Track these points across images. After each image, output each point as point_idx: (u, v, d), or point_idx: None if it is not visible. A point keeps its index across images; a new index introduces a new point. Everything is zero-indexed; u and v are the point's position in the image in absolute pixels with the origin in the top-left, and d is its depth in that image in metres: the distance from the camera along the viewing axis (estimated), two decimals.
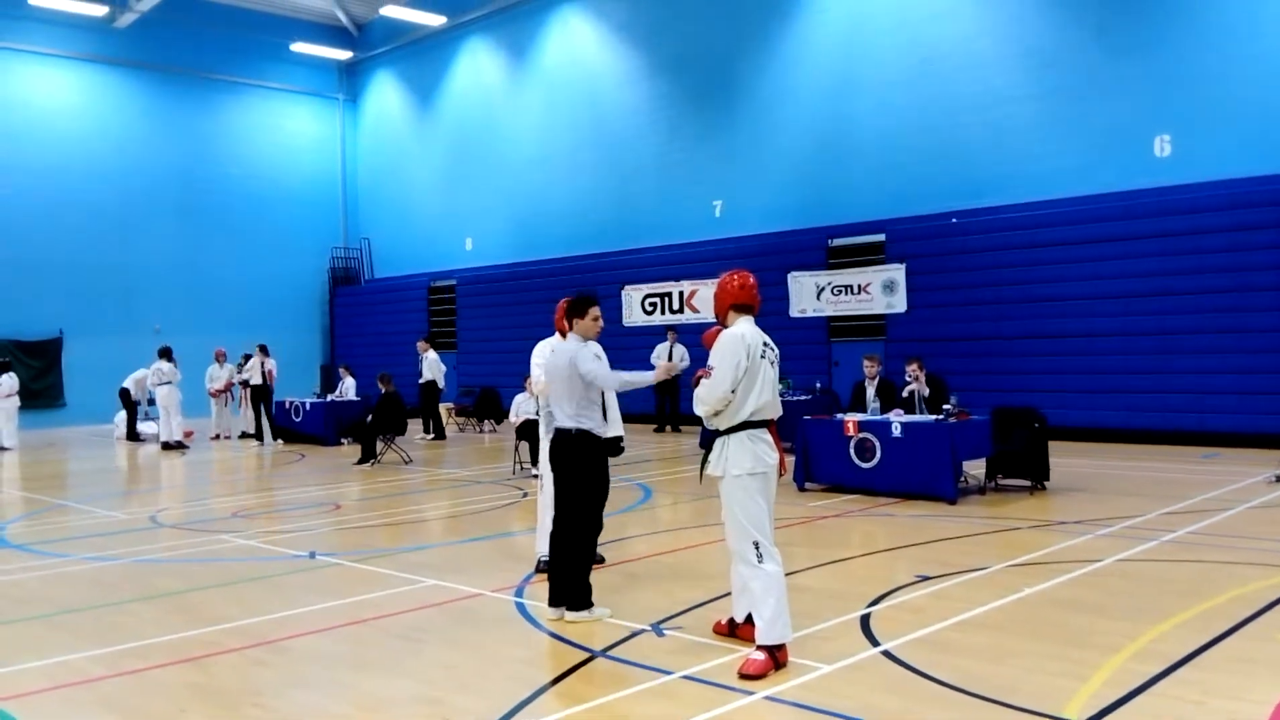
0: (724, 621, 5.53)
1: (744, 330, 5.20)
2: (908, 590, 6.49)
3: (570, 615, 5.94)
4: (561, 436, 6.10)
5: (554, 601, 6.01)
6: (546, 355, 6.74)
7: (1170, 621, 5.59)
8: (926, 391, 10.88)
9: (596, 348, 6.29)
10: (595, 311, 6.22)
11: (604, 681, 4.91)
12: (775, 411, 5.25)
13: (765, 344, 5.23)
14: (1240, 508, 9.30)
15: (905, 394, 11.06)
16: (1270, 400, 13.89)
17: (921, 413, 10.74)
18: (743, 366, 5.07)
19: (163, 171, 27.06)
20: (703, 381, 5.16)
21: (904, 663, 5.00)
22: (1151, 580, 6.63)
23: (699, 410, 5.23)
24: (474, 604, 6.49)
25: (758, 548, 5.05)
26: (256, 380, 19.04)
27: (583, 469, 6.06)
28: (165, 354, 19.04)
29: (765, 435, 5.17)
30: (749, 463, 5.09)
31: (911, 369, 11.09)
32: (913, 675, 4.83)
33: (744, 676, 4.80)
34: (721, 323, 5.41)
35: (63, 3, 23.59)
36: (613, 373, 6.12)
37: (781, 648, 4.97)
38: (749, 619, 5.21)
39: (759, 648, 4.94)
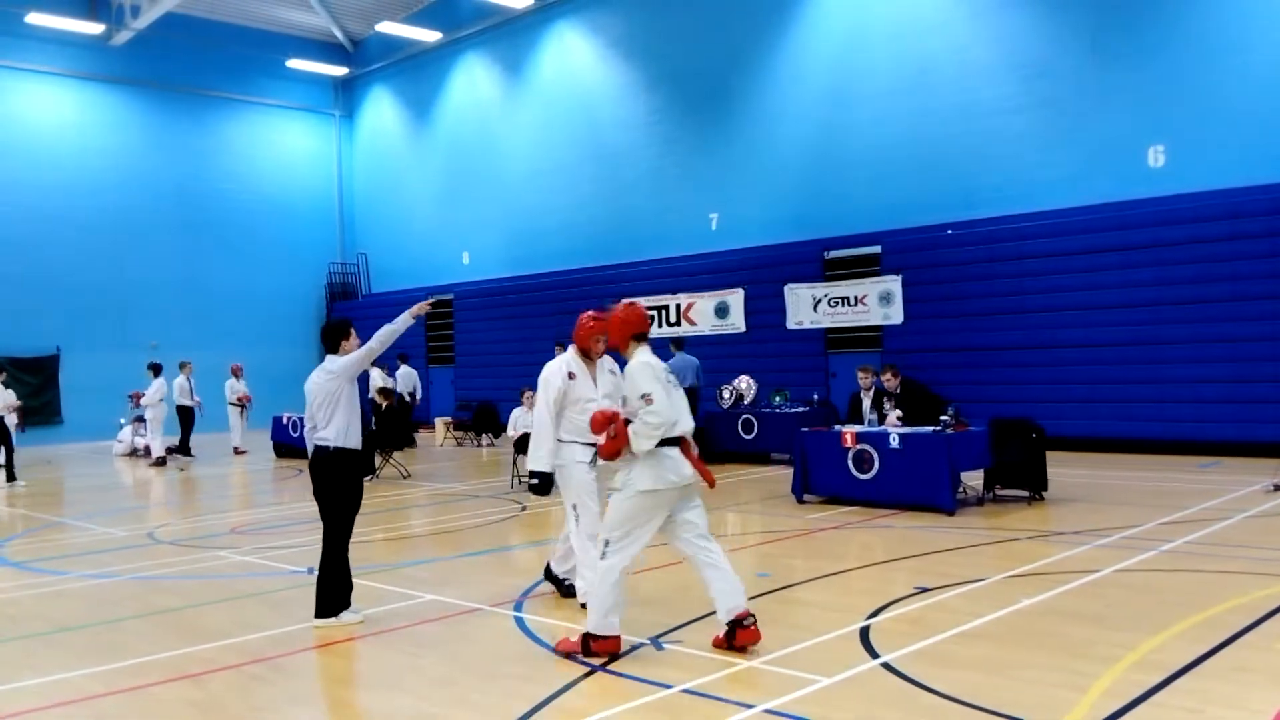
0: (723, 635, 5.54)
1: (648, 359, 5.51)
2: (907, 602, 6.49)
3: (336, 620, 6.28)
4: (349, 455, 6.31)
5: (337, 611, 6.32)
6: (561, 377, 6.34)
7: (1169, 631, 5.59)
8: (897, 391, 10.96)
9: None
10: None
11: (603, 695, 4.91)
12: (686, 428, 5.50)
13: (664, 368, 5.59)
14: (1238, 517, 9.31)
15: (869, 399, 11.14)
16: (1267, 409, 13.90)
17: (886, 411, 10.89)
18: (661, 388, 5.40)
19: (159, 188, 27.10)
20: (641, 414, 5.29)
21: (903, 675, 5.00)
22: (1150, 590, 6.63)
23: (646, 445, 5.30)
24: (473, 618, 6.48)
25: (607, 546, 5.37)
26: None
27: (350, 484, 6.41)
28: (161, 369, 19.07)
29: (673, 453, 5.41)
30: (649, 481, 5.33)
31: (885, 377, 11.19)
32: (912, 687, 4.83)
33: (557, 651, 5.47)
34: (621, 353, 5.71)
35: (59, 21, 23.69)
36: (365, 344, 6.33)
37: (601, 639, 5.31)
38: (738, 623, 5.38)
39: (584, 634, 5.38)
